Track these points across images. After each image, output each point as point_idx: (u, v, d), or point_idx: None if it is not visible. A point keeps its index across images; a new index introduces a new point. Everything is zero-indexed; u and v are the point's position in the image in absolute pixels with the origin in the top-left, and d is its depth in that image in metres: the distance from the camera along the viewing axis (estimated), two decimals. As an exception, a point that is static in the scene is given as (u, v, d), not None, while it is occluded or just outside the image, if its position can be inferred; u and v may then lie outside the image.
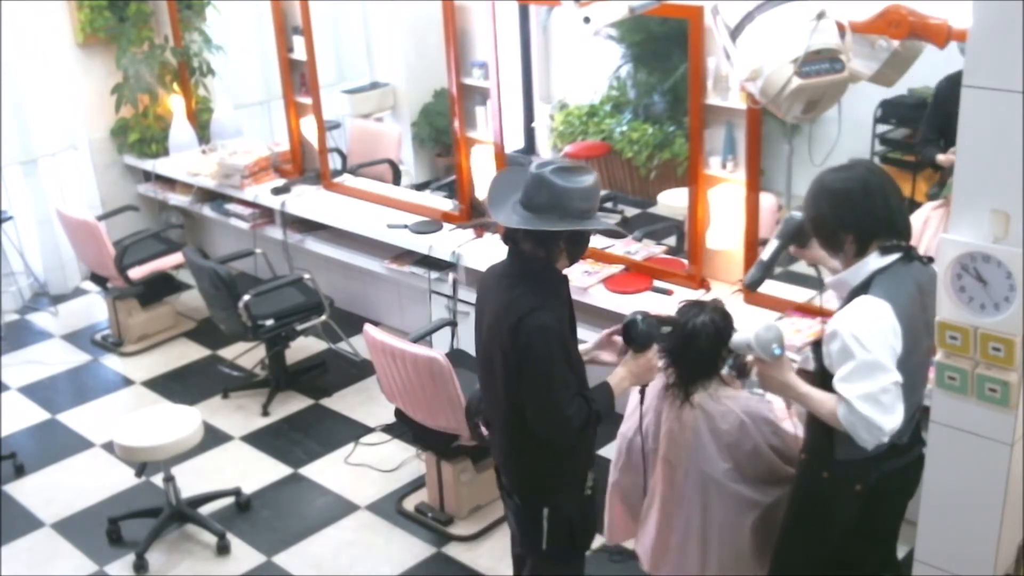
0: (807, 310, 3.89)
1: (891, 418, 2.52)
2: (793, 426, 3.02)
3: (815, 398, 2.68)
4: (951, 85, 4.04)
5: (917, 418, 2.78)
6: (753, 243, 4.04)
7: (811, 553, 2.89)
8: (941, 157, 4.12)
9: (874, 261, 2.60)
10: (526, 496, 2.97)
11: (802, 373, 2.90)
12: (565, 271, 2.87)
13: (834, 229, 2.64)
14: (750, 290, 3.18)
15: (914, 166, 5.64)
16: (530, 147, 7.27)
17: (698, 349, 2.94)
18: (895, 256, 2.59)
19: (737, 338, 2.87)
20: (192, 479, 4.50)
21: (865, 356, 2.50)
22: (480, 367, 2.98)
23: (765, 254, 3.05)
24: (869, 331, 2.51)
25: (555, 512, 2.92)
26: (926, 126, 4.31)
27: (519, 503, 2.99)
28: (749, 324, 2.84)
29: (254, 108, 6.68)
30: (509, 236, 2.81)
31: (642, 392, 3.03)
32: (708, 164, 4.12)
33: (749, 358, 2.86)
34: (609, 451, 3.32)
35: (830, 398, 2.61)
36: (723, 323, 2.98)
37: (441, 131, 6.77)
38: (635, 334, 2.85)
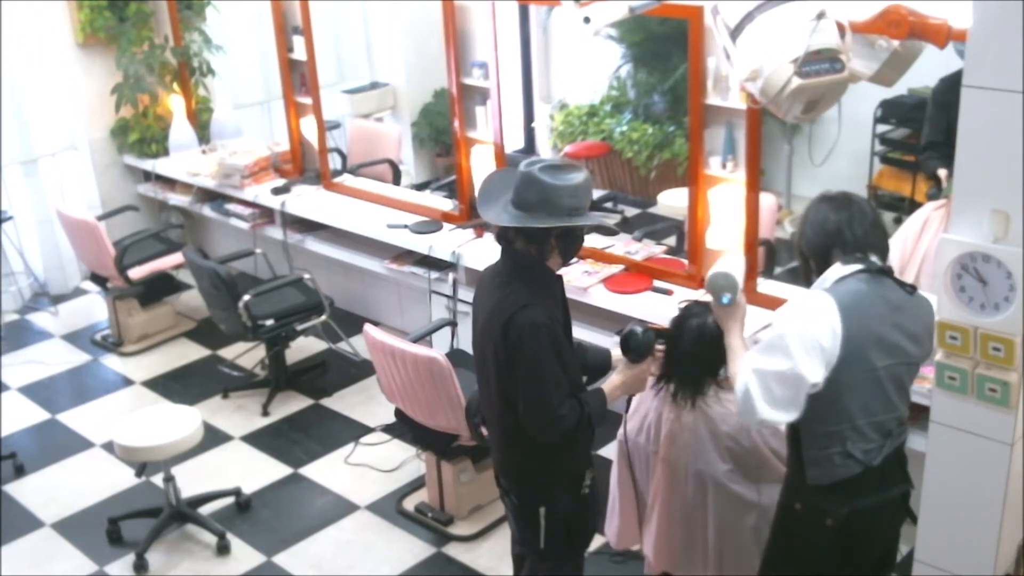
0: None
1: (772, 410, 2.47)
2: None
3: (735, 356, 2.66)
4: (948, 87, 4.03)
5: (901, 452, 2.67)
6: (753, 243, 4.04)
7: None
8: (943, 172, 4.07)
9: (835, 271, 2.55)
10: (522, 495, 2.98)
11: None
12: (560, 271, 2.88)
13: (802, 257, 2.66)
14: None
15: (914, 166, 5.64)
16: (530, 147, 7.28)
17: (699, 350, 2.95)
18: (856, 267, 2.53)
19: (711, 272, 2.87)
20: (192, 479, 4.50)
21: (777, 335, 2.47)
22: (476, 366, 2.99)
23: None
24: (798, 318, 2.47)
25: (552, 511, 2.93)
26: (930, 128, 4.26)
27: (516, 502, 3.00)
28: (727, 268, 2.84)
29: (254, 108, 6.68)
30: (502, 235, 2.82)
31: (628, 400, 3.04)
32: (708, 164, 4.11)
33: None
34: (609, 452, 3.32)
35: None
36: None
37: (441, 131, 6.78)
38: (633, 344, 2.87)
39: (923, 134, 4.30)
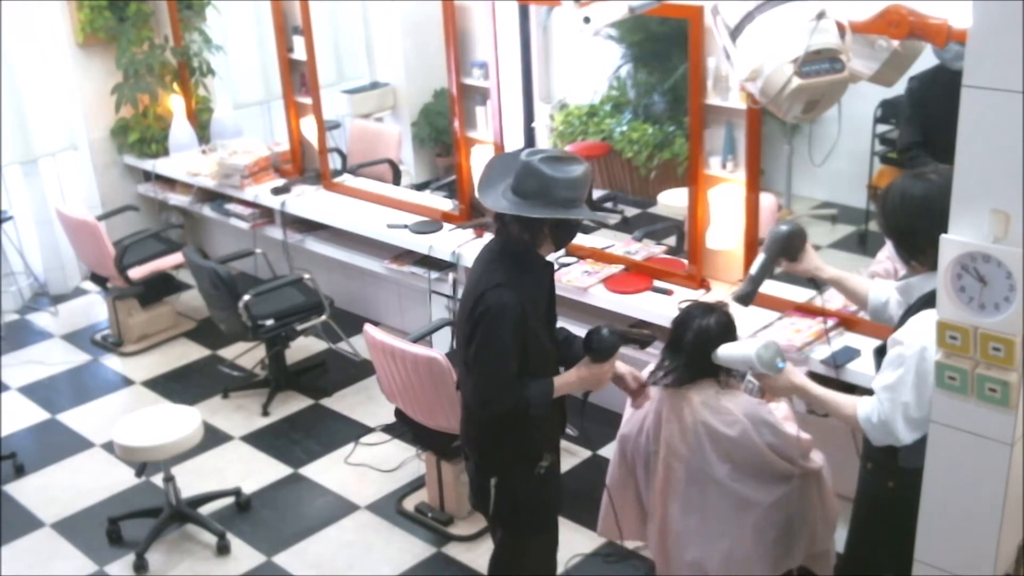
0: (807, 310, 3.89)
1: (908, 431, 2.58)
2: (795, 429, 3.03)
3: (833, 399, 2.71)
4: (924, 84, 4.00)
5: None
6: (753, 243, 4.04)
7: (883, 567, 2.84)
8: None
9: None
10: (478, 464, 3.07)
11: (812, 376, 2.90)
12: (552, 258, 2.94)
13: (925, 244, 2.57)
14: (741, 304, 3.10)
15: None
16: (530, 147, 7.26)
17: (702, 351, 2.95)
18: None
19: (730, 354, 2.85)
20: (192, 479, 4.50)
21: (901, 373, 2.55)
22: (457, 340, 3.09)
23: (754, 268, 3.02)
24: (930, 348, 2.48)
25: (501, 484, 3.01)
26: (910, 129, 4.19)
27: (473, 469, 3.10)
28: (744, 340, 2.85)
29: (254, 108, 6.68)
30: (499, 217, 2.88)
31: (585, 396, 3.10)
32: (708, 164, 4.11)
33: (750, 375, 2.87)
34: (608, 451, 3.32)
35: (849, 398, 2.65)
36: (728, 326, 2.99)
37: (441, 131, 6.77)
38: (596, 344, 2.89)
39: (901, 135, 4.24)
